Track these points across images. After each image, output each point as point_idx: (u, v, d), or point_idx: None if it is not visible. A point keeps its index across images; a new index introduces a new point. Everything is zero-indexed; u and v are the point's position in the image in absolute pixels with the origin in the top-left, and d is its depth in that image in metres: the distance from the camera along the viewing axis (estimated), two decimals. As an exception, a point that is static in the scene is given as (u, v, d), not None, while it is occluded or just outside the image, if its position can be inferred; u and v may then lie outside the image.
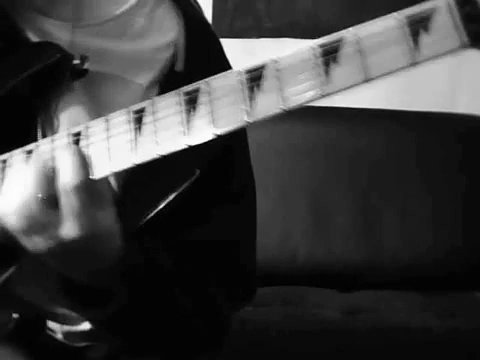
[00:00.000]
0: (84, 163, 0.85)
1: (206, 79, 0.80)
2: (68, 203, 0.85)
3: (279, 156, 2.44)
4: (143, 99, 1.03)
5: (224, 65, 1.14)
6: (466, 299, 2.33)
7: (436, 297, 2.32)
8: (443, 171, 2.44)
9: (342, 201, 2.43)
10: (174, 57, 1.09)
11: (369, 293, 2.34)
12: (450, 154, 2.46)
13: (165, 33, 1.10)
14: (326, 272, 2.40)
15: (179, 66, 1.09)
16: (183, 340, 1.09)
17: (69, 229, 0.86)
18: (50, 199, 0.85)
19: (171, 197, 1.02)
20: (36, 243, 0.87)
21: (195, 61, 1.09)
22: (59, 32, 1.04)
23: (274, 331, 2.11)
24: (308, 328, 2.14)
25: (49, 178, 0.85)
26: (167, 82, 1.07)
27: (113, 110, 0.89)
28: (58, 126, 1.03)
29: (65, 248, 0.87)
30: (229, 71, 0.79)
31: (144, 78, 1.07)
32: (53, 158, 0.87)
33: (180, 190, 1.02)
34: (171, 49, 1.09)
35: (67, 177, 0.85)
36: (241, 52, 2.49)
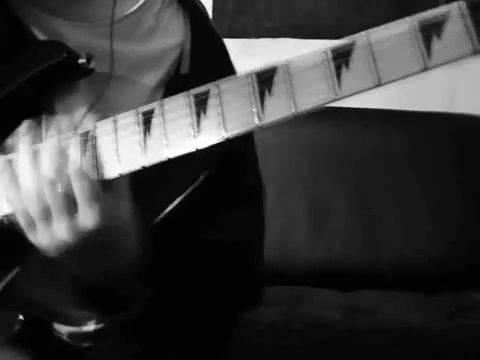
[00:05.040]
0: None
1: (216, 82, 0.80)
2: (80, 188, 0.85)
3: (279, 156, 2.44)
4: (149, 100, 1.04)
5: (228, 67, 1.15)
6: (466, 299, 2.33)
7: (436, 297, 2.32)
8: (442, 171, 2.45)
9: (342, 201, 2.43)
10: (180, 59, 1.09)
11: (369, 293, 2.33)
12: (448, 153, 2.46)
13: (172, 35, 1.10)
14: (326, 272, 2.40)
15: (184, 68, 1.09)
16: (194, 339, 1.09)
17: (85, 217, 0.86)
18: (64, 185, 0.86)
19: (178, 200, 1.02)
20: (52, 235, 0.86)
21: (200, 63, 1.09)
22: (66, 32, 1.04)
23: (274, 331, 2.11)
24: (308, 328, 2.14)
25: (61, 164, 0.86)
26: (172, 84, 1.07)
27: (118, 110, 0.89)
28: (63, 125, 1.03)
29: (82, 241, 0.87)
30: (239, 74, 0.79)
31: (150, 79, 1.07)
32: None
33: (186, 193, 1.02)
34: (177, 51, 1.10)
35: (77, 162, 0.85)
36: (241, 52, 2.49)
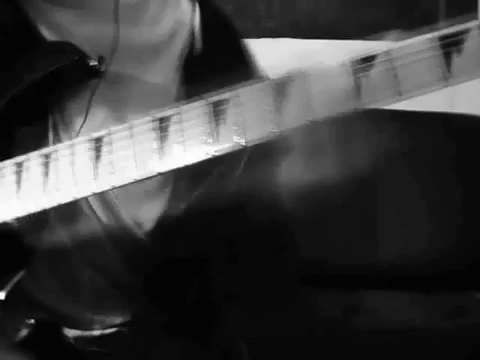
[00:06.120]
0: None
1: (234, 90, 0.81)
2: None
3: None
4: (166, 84, 1.04)
5: (241, 46, 1.14)
6: (466, 299, 2.34)
7: (436, 297, 2.32)
8: (442, 171, 2.45)
9: (342, 201, 2.43)
10: (192, 40, 1.09)
11: (369, 293, 2.34)
12: (448, 153, 2.47)
13: (181, 17, 1.09)
14: (326, 272, 2.41)
15: (197, 49, 1.09)
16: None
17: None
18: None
19: (196, 193, 1.02)
20: None
21: (212, 42, 1.09)
22: (68, 22, 1.04)
23: (274, 331, 2.11)
24: (308, 328, 2.14)
25: None
26: (189, 66, 1.06)
27: (129, 109, 0.89)
28: (71, 127, 1.03)
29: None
30: (257, 83, 0.80)
31: (162, 63, 1.06)
32: None
33: (204, 185, 1.03)
34: (187, 33, 1.09)
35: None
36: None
